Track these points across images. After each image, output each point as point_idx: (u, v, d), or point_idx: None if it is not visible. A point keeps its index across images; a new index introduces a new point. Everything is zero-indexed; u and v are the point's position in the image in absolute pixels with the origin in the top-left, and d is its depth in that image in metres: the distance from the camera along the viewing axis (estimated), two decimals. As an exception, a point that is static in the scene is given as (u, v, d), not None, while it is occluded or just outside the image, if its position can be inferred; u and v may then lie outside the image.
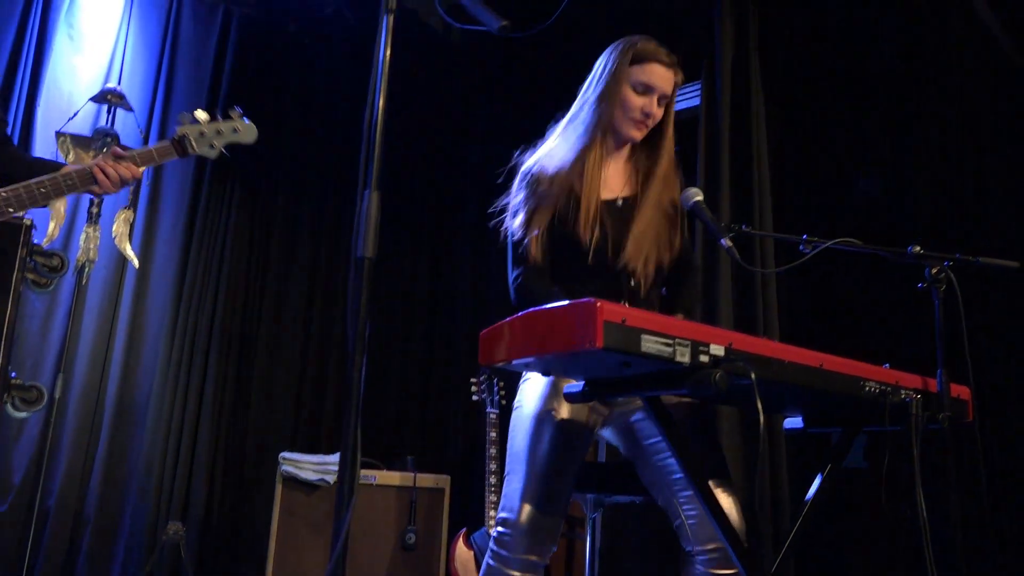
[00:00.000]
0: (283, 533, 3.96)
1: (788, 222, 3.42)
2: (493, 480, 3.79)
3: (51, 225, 4.04)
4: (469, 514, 4.19)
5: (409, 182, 5.39)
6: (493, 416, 3.93)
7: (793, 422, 2.15)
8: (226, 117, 2.85)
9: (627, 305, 2.00)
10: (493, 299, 4.55)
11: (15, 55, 4.29)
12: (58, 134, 4.16)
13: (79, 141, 4.20)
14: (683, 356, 1.56)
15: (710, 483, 1.89)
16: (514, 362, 1.71)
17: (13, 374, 3.45)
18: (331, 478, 4.00)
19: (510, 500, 2.07)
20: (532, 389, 2.16)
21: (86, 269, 4.22)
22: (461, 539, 4.02)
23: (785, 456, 3.16)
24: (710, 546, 2.00)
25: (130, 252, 4.30)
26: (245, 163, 4.93)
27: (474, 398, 4.05)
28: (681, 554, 2.09)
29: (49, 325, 4.22)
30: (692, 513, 2.03)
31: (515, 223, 2.21)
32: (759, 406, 1.57)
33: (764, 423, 1.59)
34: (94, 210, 4.23)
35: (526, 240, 2.17)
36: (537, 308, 1.64)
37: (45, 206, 2.76)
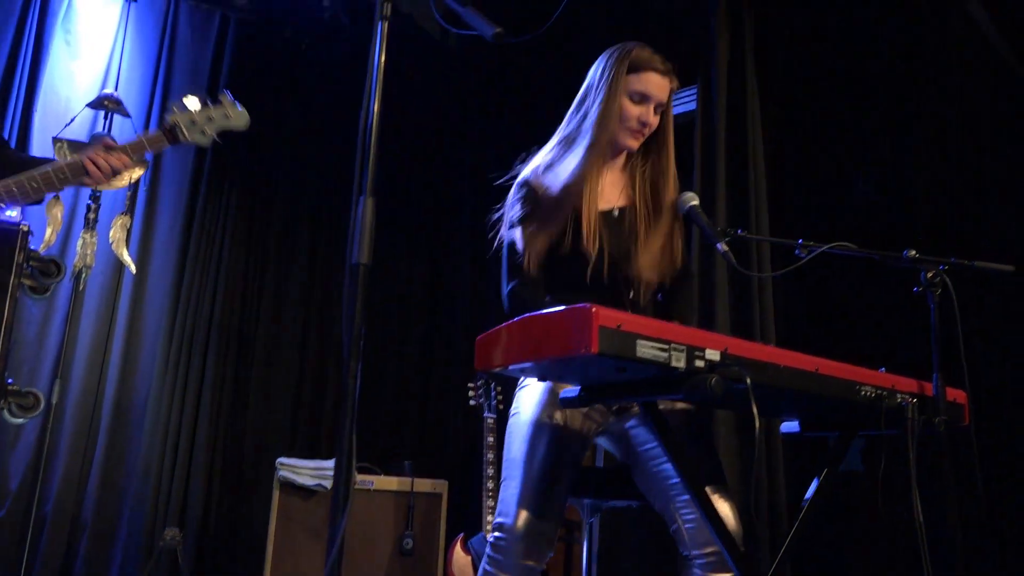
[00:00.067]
0: (280, 538, 3.96)
1: (785, 225, 3.43)
2: (491, 485, 3.79)
3: (48, 231, 4.04)
4: (467, 519, 4.19)
5: (407, 185, 5.40)
6: (490, 421, 3.93)
7: (790, 426, 2.16)
8: (216, 103, 2.81)
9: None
10: (491, 303, 4.55)
11: (12, 60, 4.29)
12: (55, 140, 4.15)
13: (76, 147, 4.19)
14: (679, 361, 1.56)
15: (707, 489, 1.90)
16: (510, 367, 1.71)
17: (10, 380, 3.45)
18: (328, 483, 3.99)
19: (506, 505, 2.07)
20: (529, 396, 2.16)
21: (83, 275, 4.22)
22: (459, 544, 4.01)
23: (782, 460, 3.17)
24: (707, 550, 2.00)
25: (127, 257, 4.30)
26: (242, 168, 4.94)
27: (471, 403, 4.05)
28: (678, 558, 2.09)
29: (46, 331, 4.22)
30: (689, 518, 2.02)
31: (511, 234, 2.19)
32: (755, 411, 1.57)
33: (760, 428, 1.59)
34: (91, 216, 4.23)
35: (521, 252, 2.16)
36: (533, 313, 1.64)
37: (39, 201, 2.73)
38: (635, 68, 2.19)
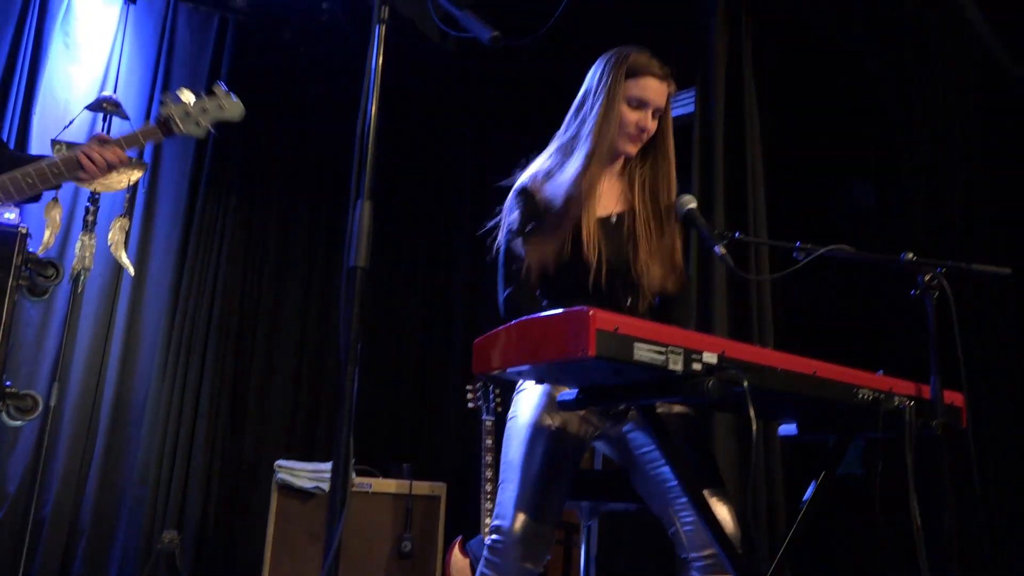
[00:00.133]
0: (279, 541, 3.96)
1: (783, 228, 3.43)
2: (489, 488, 3.79)
3: (47, 233, 4.04)
4: (465, 521, 4.19)
5: (405, 189, 5.40)
6: (489, 423, 3.92)
7: (788, 428, 2.15)
8: (211, 95, 2.79)
9: None
10: (489, 307, 4.55)
11: (11, 64, 4.29)
12: (54, 142, 4.15)
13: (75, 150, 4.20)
14: (676, 364, 1.55)
15: (705, 492, 1.90)
16: (508, 370, 1.71)
17: (8, 383, 3.45)
18: (327, 486, 3.99)
19: (504, 508, 2.07)
20: (527, 399, 2.16)
21: (82, 277, 4.22)
22: (457, 547, 4.01)
23: (781, 462, 3.17)
24: (705, 553, 2.00)
25: (126, 260, 4.30)
26: (241, 170, 4.94)
27: (470, 405, 4.04)
28: (676, 561, 2.09)
29: (44, 333, 4.22)
30: (687, 520, 2.02)
31: (508, 241, 2.18)
32: (752, 414, 1.57)
33: (757, 431, 1.59)
34: (90, 218, 4.23)
35: (519, 259, 2.14)
36: (531, 316, 1.64)
37: (35, 198, 2.69)
38: (633, 73, 2.17)
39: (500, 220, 2.25)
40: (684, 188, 2.32)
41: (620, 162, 2.28)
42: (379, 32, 1.60)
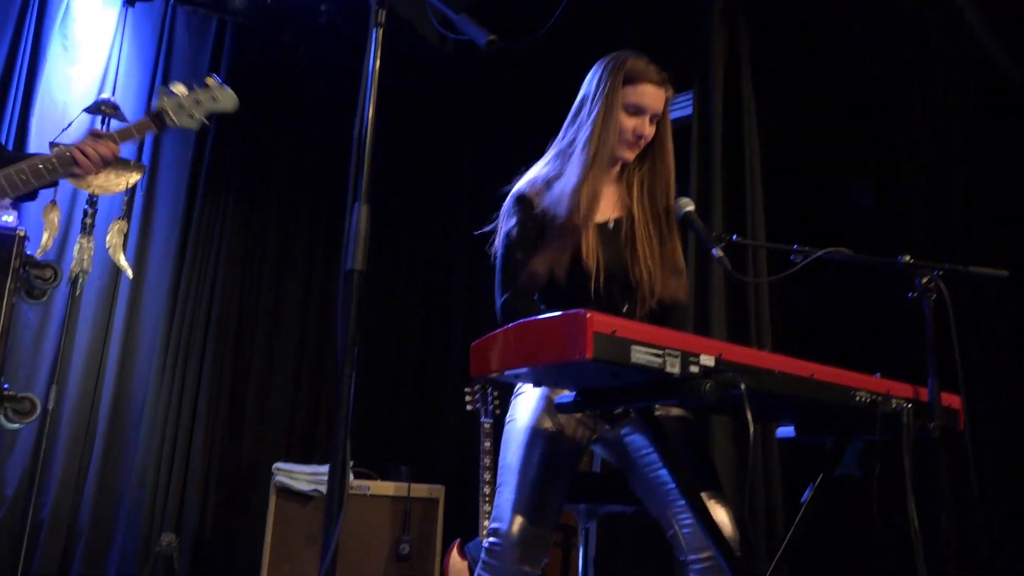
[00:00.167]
0: (277, 544, 3.95)
1: (783, 228, 3.43)
2: (487, 490, 3.79)
3: (45, 236, 4.04)
4: (463, 524, 4.19)
5: (404, 191, 5.40)
6: (487, 426, 3.92)
7: (785, 431, 2.15)
8: (204, 86, 2.78)
9: None
10: (487, 309, 4.55)
11: (9, 66, 4.30)
12: (52, 145, 4.12)
13: (73, 152, 4.19)
14: (673, 367, 1.56)
15: (703, 494, 1.90)
16: (505, 373, 1.71)
17: (6, 385, 3.44)
18: (325, 488, 3.98)
19: (501, 511, 2.08)
20: (525, 403, 2.17)
21: (80, 280, 4.22)
22: (455, 549, 4.01)
23: (779, 464, 3.17)
24: (703, 555, 2.00)
25: (124, 263, 4.30)
26: (239, 173, 4.94)
27: (468, 408, 4.04)
28: (675, 563, 2.09)
29: (42, 336, 4.22)
30: (686, 523, 2.03)
31: (506, 247, 2.18)
32: (749, 416, 1.58)
33: (754, 433, 1.59)
34: (88, 221, 4.23)
35: (516, 266, 2.15)
36: (528, 319, 1.64)
37: (31, 196, 2.67)
38: (630, 80, 2.17)
39: (497, 225, 2.25)
40: (682, 191, 2.32)
41: (618, 167, 2.28)
42: (376, 36, 1.60)
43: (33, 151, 4.22)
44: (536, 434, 2.10)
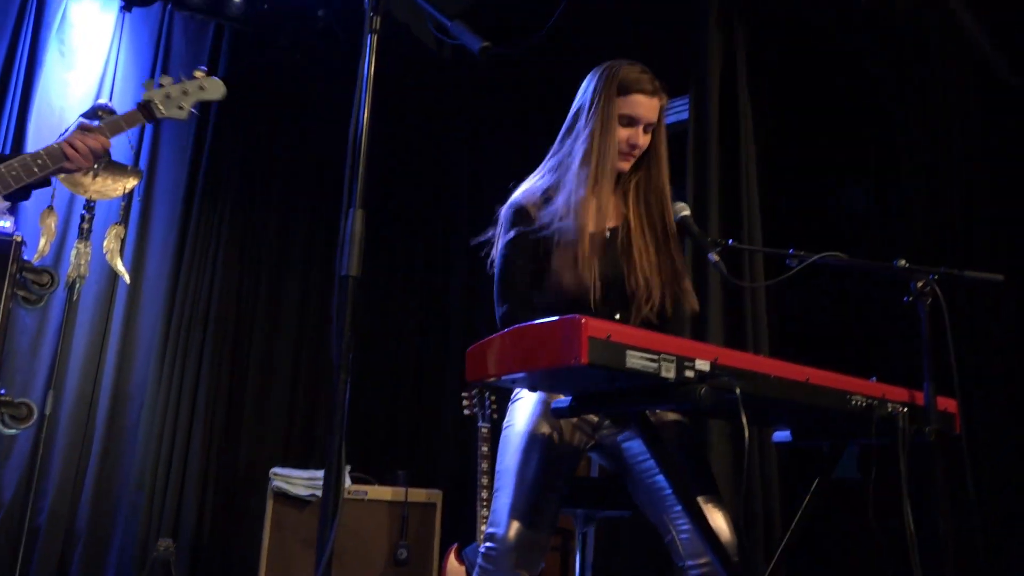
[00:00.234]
0: (274, 548, 3.95)
1: (782, 229, 3.43)
2: (485, 495, 3.78)
3: (42, 241, 4.04)
4: (461, 529, 4.18)
5: (402, 194, 5.41)
6: (484, 430, 3.92)
7: (782, 435, 2.16)
8: (191, 78, 2.79)
9: None
10: (485, 313, 4.55)
11: (6, 71, 4.30)
12: (48, 150, 4.15)
13: (70, 157, 4.19)
14: (668, 372, 1.56)
15: (700, 499, 1.90)
16: (502, 378, 1.71)
17: (3, 391, 3.45)
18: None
19: (498, 516, 2.08)
20: (523, 408, 2.17)
21: (77, 285, 4.22)
22: (453, 554, 4.00)
23: (776, 468, 3.17)
24: (701, 561, 2.00)
25: (121, 268, 4.30)
26: (237, 178, 4.94)
27: (465, 412, 4.04)
28: (674, 568, 2.09)
29: (40, 341, 4.22)
30: (683, 528, 2.02)
31: (504, 257, 2.18)
32: (744, 421, 1.58)
33: (749, 438, 1.60)
34: (85, 226, 4.23)
35: (514, 276, 2.15)
36: (524, 324, 1.65)
37: (23, 194, 2.64)
38: (623, 91, 2.17)
39: (493, 236, 2.25)
40: (678, 195, 2.32)
41: (613, 176, 2.27)
42: (371, 42, 1.61)
43: (30, 156, 4.24)
44: (533, 439, 2.10)
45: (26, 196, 2.67)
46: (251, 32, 4.96)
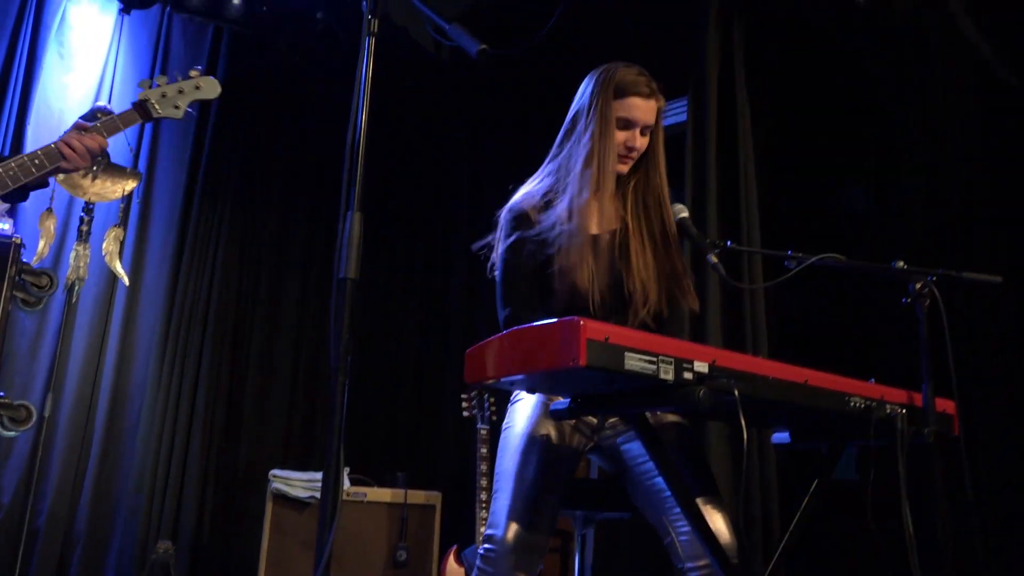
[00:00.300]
0: (273, 550, 3.95)
1: (782, 229, 3.43)
2: (484, 496, 3.78)
3: (41, 244, 4.04)
4: (460, 530, 4.18)
5: (402, 195, 5.41)
6: (484, 432, 3.92)
7: (781, 436, 2.16)
8: (187, 77, 2.79)
9: None
10: (484, 315, 4.55)
11: (5, 74, 4.30)
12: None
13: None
14: (667, 374, 1.56)
15: (699, 501, 1.90)
16: (500, 380, 1.71)
17: (2, 393, 3.44)
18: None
19: (496, 517, 2.08)
20: (522, 410, 2.17)
21: (76, 287, 4.22)
22: (452, 555, 4.01)
23: (775, 469, 3.17)
24: (700, 563, 2.00)
25: (120, 270, 4.30)
26: (236, 180, 4.95)
27: (465, 414, 4.04)
28: (673, 570, 2.09)
29: (39, 344, 4.22)
30: (682, 530, 2.02)
31: (505, 261, 2.18)
32: (743, 423, 1.58)
33: (748, 440, 1.60)
34: (84, 228, 4.23)
35: (516, 280, 2.15)
36: (522, 326, 1.65)
37: (21, 195, 2.64)
38: (620, 94, 2.16)
39: (493, 240, 2.25)
40: (677, 197, 2.32)
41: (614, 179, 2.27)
42: (369, 45, 1.61)
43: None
44: (532, 441, 2.10)
45: (24, 197, 2.67)
46: (250, 34, 4.96)
